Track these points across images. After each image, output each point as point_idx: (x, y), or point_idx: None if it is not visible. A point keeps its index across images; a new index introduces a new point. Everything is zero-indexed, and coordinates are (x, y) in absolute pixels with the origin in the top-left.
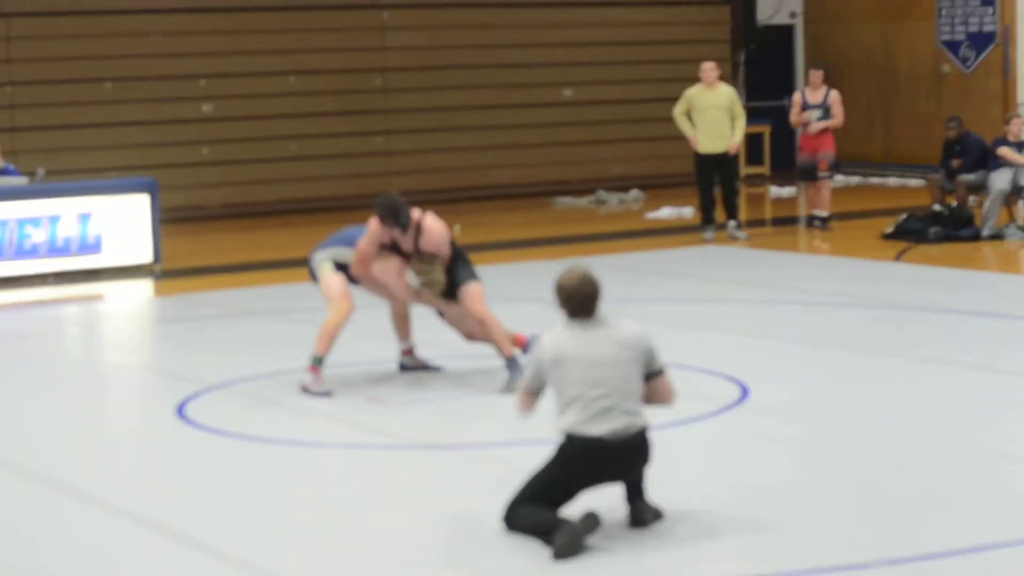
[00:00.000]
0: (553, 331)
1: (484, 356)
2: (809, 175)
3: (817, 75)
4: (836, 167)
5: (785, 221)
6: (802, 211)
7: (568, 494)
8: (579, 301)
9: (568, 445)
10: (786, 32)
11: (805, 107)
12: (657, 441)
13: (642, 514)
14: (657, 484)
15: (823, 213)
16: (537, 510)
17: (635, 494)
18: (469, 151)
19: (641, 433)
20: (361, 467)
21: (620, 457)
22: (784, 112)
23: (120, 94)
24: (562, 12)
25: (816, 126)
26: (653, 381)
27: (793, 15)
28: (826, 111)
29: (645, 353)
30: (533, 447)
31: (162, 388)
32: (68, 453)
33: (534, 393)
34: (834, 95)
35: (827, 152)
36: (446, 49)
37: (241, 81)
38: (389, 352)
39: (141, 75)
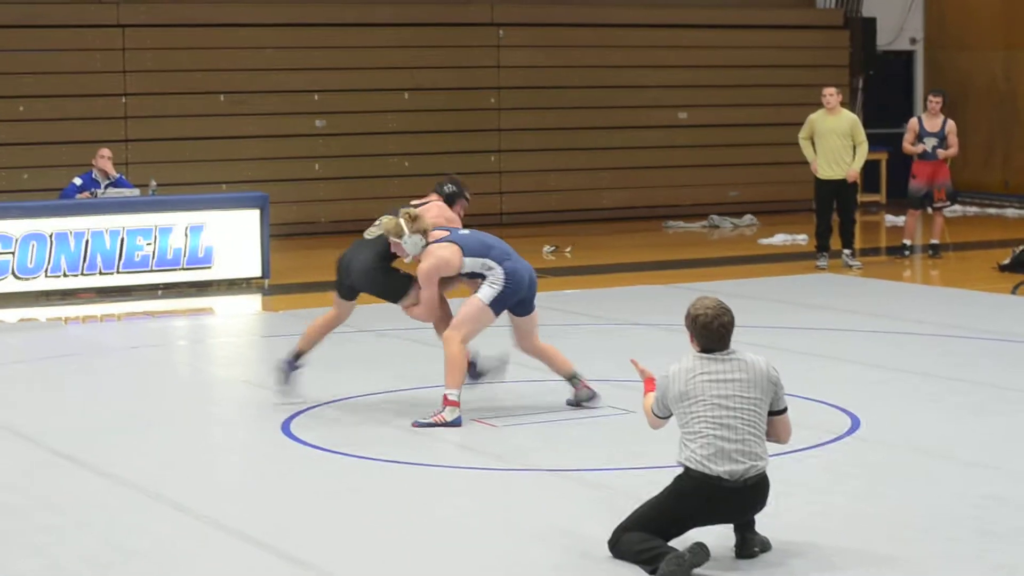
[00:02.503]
0: (683, 362)
1: (592, 378)
2: (920, 203)
3: (936, 101)
4: (954, 197)
5: (899, 250)
6: (919, 239)
7: (679, 527)
8: (714, 331)
9: (686, 478)
10: (906, 58)
11: (921, 134)
12: (767, 471)
13: (751, 545)
14: (766, 515)
15: (936, 242)
16: (645, 537)
17: (744, 524)
18: (582, 172)
19: (761, 476)
20: (465, 488)
21: (737, 499)
22: (902, 140)
23: (233, 107)
24: (679, 33)
25: (941, 153)
26: (774, 418)
27: (913, 41)
28: (942, 140)
29: (772, 392)
30: (638, 472)
31: (268, 404)
32: (173, 467)
33: (662, 418)
34: (951, 125)
35: (944, 181)
36: (561, 69)
37: (354, 97)
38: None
39: (255, 88)
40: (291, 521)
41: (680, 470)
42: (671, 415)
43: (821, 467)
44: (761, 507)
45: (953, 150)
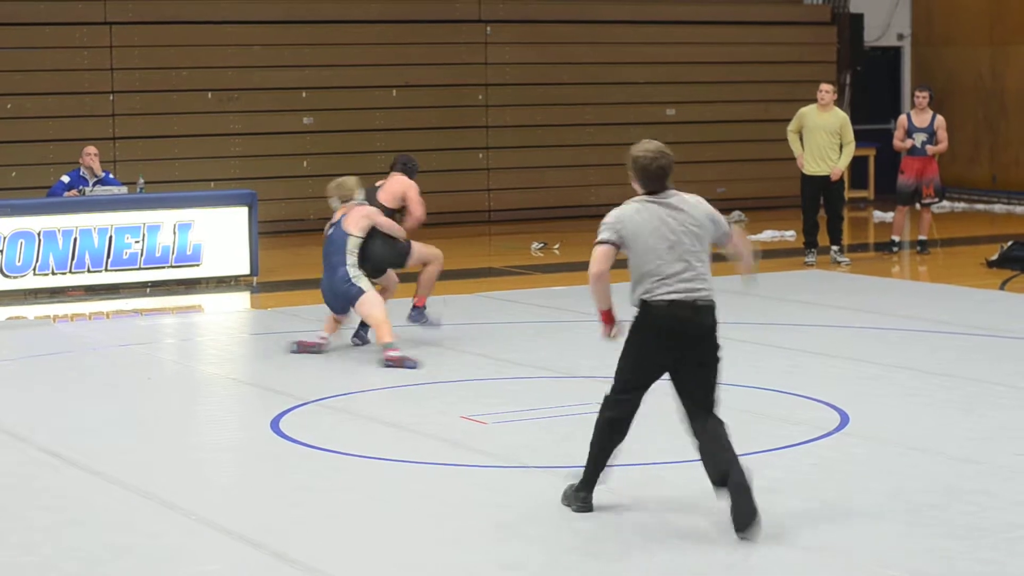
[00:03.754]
0: (626, 206)
1: (580, 375)
2: (908, 199)
3: (923, 96)
4: (942, 193)
5: (888, 246)
6: (907, 235)
7: (646, 370)
8: (652, 172)
9: (642, 312)
10: (893, 54)
11: (910, 130)
12: (756, 467)
13: (744, 512)
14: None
15: (923, 238)
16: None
17: (737, 488)
18: (570, 169)
19: (710, 303)
20: (456, 485)
21: (692, 326)
22: (890, 136)
23: (221, 105)
24: (666, 30)
25: (930, 149)
26: (728, 242)
27: (901, 37)
28: (931, 136)
29: (711, 225)
30: (627, 468)
31: (257, 401)
32: (161, 465)
33: (609, 243)
34: (940, 120)
35: (933, 177)
36: (549, 65)
37: (342, 94)
38: (485, 370)
39: (243, 86)
40: (281, 518)
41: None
42: (619, 247)
43: (810, 463)
44: (712, 338)
45: (943, 146)
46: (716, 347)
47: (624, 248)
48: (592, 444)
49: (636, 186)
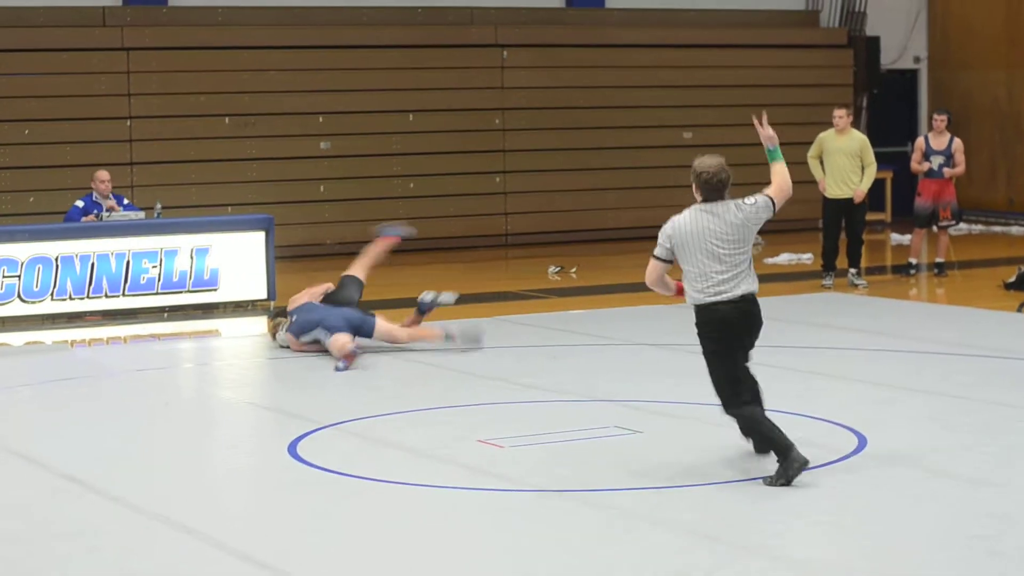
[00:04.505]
0: (683, 214)
1: (597, 398)
2: (926, 222)
3: (941, 120)
4: (959, 216)
5: (905, 269)
6: (924, 258)
7: (732, 360)
8: (713, 186)
9: (697, 314)
10: (910, 77)
11: (928, 153)
12: (774, 490)
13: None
14: (777, 536)
15: (940, 260)
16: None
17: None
18: (587, 192)
19: (752, 298)
20: (473, 509)
21: (741, 314)
22: (906, 158)
23: (238, 130)
24: (683, 54)
25: (947, 172)
26: (774, 202)
27: (917, 60)
28: (948, 158)
29: (756, 217)
30: (644, 493)
31: (275, 426)
32: (178, 490)
33: (663, 261)
34: (958, 143)
35: (950, 200)
36: (565, 89)
37: (359, 118)
38: (502, 393)
39: (259, 111)
40: (298, 544)
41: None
42: (671, 260)
43: (828, 486)
44: (759, 326)
45: (960, 168)
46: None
47: (676, 256)
48: (759, 433)
49: (696, 195)
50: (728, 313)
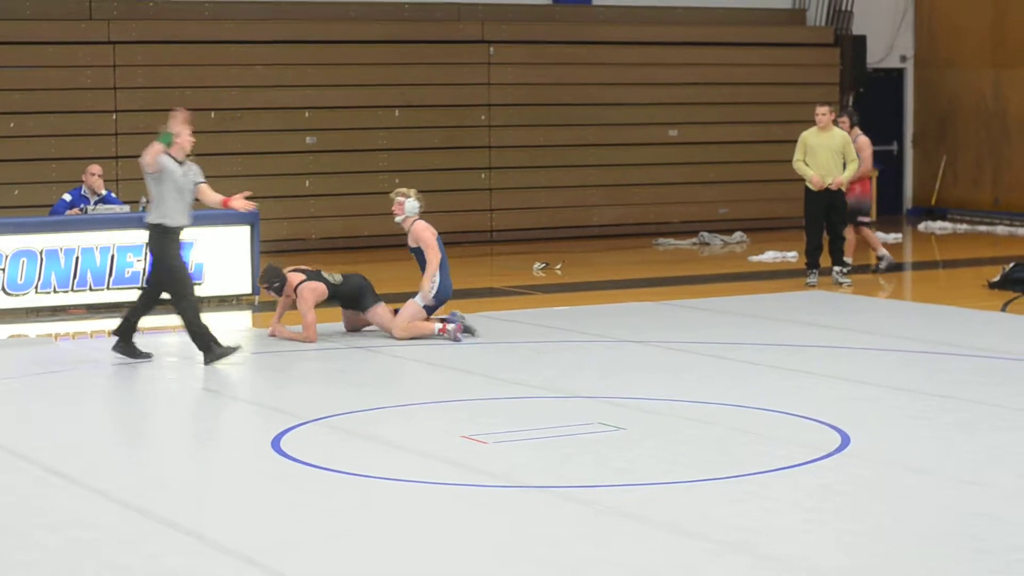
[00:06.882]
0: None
1: (581, 395)
2: (851, 217)
3: (843, 120)
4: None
5: (888, 268)
6: (909, 256)
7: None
8: None
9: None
10: (896, 76)
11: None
12: (757, 489)
13: None
14: (758, 533)
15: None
16: None
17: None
18: (572, 189)
19: None
20: (456, 505)
21: None
22: (892, 157)
23: (224, 124)
24: (669, 51)
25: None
26: None
27: (904, 59)
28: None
29: None
30: (627, 489)
31: (258, 420)
32: (162, 483)
33: None
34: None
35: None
36: (551, 86)
37: (345, 114)
38: (486, 389)
39: (245, 105)
40: (281, 538)
41: None
42: None
43: (811, 485)
44: None
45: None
46: None
47: None
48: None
49: None
50: None
